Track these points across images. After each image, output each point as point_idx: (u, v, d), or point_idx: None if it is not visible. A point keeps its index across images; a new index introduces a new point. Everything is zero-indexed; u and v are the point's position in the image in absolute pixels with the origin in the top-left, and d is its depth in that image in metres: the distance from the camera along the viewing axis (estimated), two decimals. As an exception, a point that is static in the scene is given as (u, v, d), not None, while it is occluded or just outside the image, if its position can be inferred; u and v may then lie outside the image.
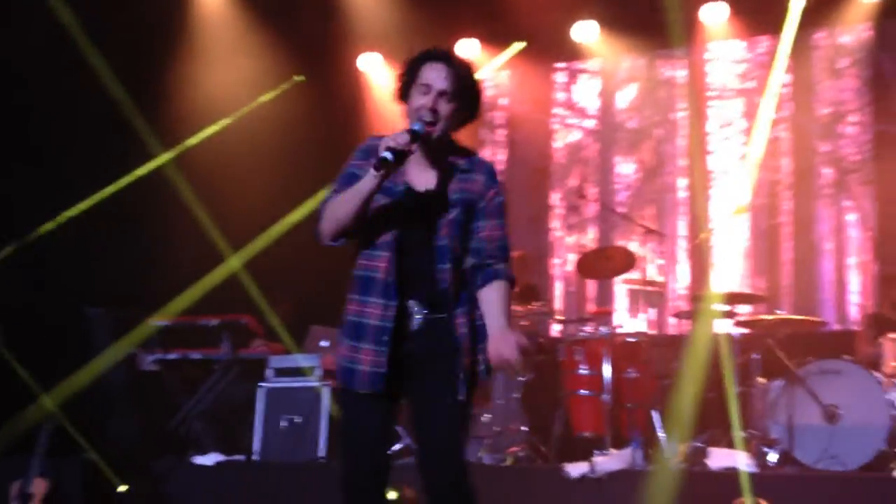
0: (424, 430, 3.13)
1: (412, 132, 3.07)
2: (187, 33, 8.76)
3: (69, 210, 7.58)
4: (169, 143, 8.20)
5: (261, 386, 6.80)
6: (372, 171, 3.02)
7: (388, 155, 3.00)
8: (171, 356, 7.02)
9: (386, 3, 8.91)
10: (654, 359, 6.79)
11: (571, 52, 9.37)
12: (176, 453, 6.65)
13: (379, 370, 3.07)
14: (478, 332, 3.18)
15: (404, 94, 3.23)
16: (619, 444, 6.31)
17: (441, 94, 3.14)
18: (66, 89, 7.60)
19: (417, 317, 3.12)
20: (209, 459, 6.37)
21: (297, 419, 6.67)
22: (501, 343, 3.06)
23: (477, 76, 3.26)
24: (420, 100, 3.14)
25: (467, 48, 9.18)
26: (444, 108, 3.14)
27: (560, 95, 9.61)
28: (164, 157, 8.08)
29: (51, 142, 7.67)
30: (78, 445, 6.21)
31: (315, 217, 3.19)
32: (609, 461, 5.79)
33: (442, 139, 3.20)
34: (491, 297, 3.16)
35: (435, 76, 3.15)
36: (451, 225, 3.15)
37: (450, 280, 3.14)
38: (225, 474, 6.32)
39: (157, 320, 6.99)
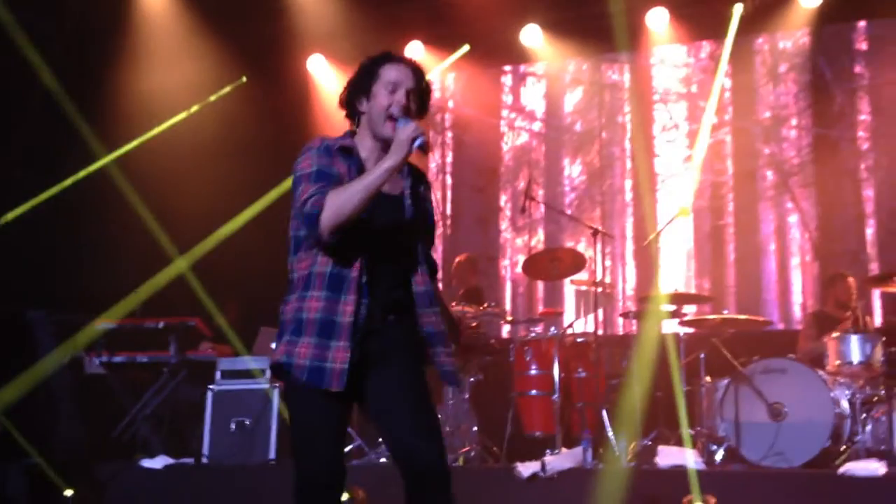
0: (398, 413, 3.11)
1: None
2: (131, 34, 8.64)
3: (10, 212, 7.42)
4: (112, 144, 8.08)
5: (210, 388, 6.73)
6: (385, 165, 3.01)
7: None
8: (118, 359, 6.92)
9: (331, 6, 8.88)
10: (603, 358, 6.86)
11: (518, 56, 9.44)
12: (123, 457, 6.54)
13: (345, 367, 3.06)
14: (439, 335, 3.25)
15: (354, 97, 3.26)
16: (570, 443, 6.37)
17: (409, 92, 3.19)
18: (5, 89, 7.45)
19: (389, 317, 3.15)
20: (157, 463, 6.28)
21: (247, 421, 6.61)
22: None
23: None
24: (387, 98, 3.18)
25: (412, 51, 9.18)
26: (412, 106, 3.20)
27: (507, 98, 9.68)
28: (107, 159, 7.95)
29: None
30: (22, 450, 6.08)
31: (307, 215, 3.07)
32: (559, 460, 5.82)
33: None
34: None
35: (402, 75, 3.20)
36: (429, 230, 3.34)
37: (421, 282, 3.22)
38: (173, 477, 6.23)
39: (103, 323, 6.87)
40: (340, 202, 3.04)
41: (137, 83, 8.62)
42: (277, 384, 6.65)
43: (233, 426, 6.62)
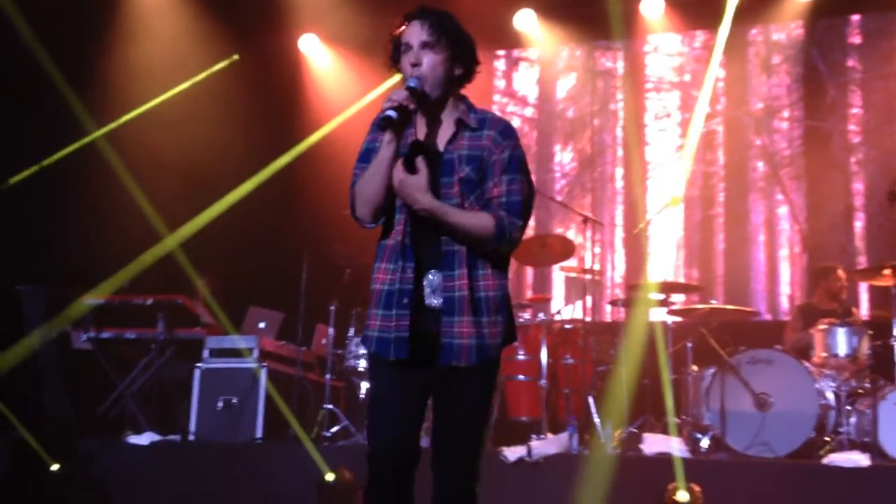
0: (435, 404, 3.09)
1: (408, 87, 3.03)
2: (123, 8, 8.58)
3: (-1, 186, 7.37)
4: (103, 119, 8.01)
5: (197, 366, 6.72)
6: (387, 136, 2.98)
7: (391, 113, 2.96)
8: (105, 335, 6.88)
9: (325, -16, 8.84)
10: (591, 345, 6.88)
11: (511, 40, 9.41)
12: (110, 433, 6.53)
13: (403, 335, 3.00)
14: (484, 302, 3.05)
15: (397, 70, 3.19)
16: (556, 428, 6.40)
17: (423, 46, 3.07)
18: (-3, 61, 7.39)
19: (437, 288, 3.03)
20: (144, 439, 6.27)
21: (234, 400, 6.62)
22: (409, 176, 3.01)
23: (460, 25, 3.14)
24: (405, 60, 3.10)
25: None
26: (429, 58, 3.05)
27: (500, 83, 9.66)
28: (97, 133, 7.89)
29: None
30: (8, 424, 6.06)
31: (349, 205, 3.11)
32: (545, 445, 5.84)
33: (445, 98, 3.12)
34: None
35: (412, 32, 3.09)
36: (460, 183, 3.05)
37: (452, 243, 3.05)
38: (160, 454, 6.23)
39: (91, 298, 6.83)
40: (362, 189, 3.06)
41: (129, 58, 8.55)
42: (265, 363, 6.65)
43: (220, 404, 6.62)
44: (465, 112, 3.15)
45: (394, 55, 3.16)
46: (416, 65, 3.05)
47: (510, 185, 3.09)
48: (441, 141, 3.12)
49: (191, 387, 6.68)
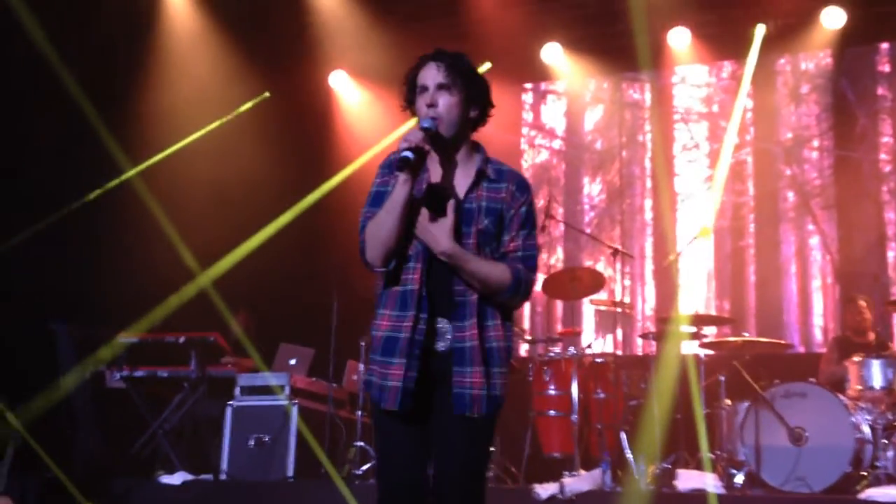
0: (437, 449, 3.05)
1: (423, 128, 3.03)
2: (157, 47, 8.71)
3: (36, 224, 7.47)
4: (137, 157, 8.13)
5: (229, 404, 6.75)
6: (402, 178, 2.98)
7: (408, 154, 2.97)
8: (138, 374, 6.94)
9: (354, 22, 8.94)
10: (622, 379, 6.84)
11: (539, 73, 9.46)
12: (142, 472, 6.57)
13: (399, 385, 2.99)
14: (494, 353, 3.06)
15: (411, 112, 3.20)
16: (588, 464, 6.36)
17: (438, 87, 3.08)
18: (34, 102, 7.52)
19: (445, 334, 3.04)
20: (176, 478, 6.30)
21: (266, 438, 6.63)
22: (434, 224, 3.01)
23: (474, 67, 3.16)
24: (420, 102, 3.11)
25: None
26: (445, 100, 3.07)
27: (528, 116, 9.70)
28: (131, 172, 8.00)
29: (18, 155, 7.57)
30: (42, 463, 6.11)
31: (359, 248, 3.11)
32: (578, 482, 5.82)
33: (459, 141, 3.13)
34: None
35: (428, 74, 3.10)
36: (478, 235, 3.06)
37: (470, 292, 3.04)
38: (192, 493, 6.25)
39: (124, 337, 6.90)
40: (374, 232, 3.04)
41: (163, 96, 8.68)
42: (297, 401, 6.66)
43: (251, 442, 6.64)
44: (482, 161, 3.16)
45: (408, 96, 3.18)
46: (431, 105, 3.06)
47: (526, 239, 3.14)
48: (460, 188, 3.12)
49: (222, 425, 6.71)
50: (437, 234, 3.01)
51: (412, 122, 3.20)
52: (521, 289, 3.10)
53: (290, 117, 9.25)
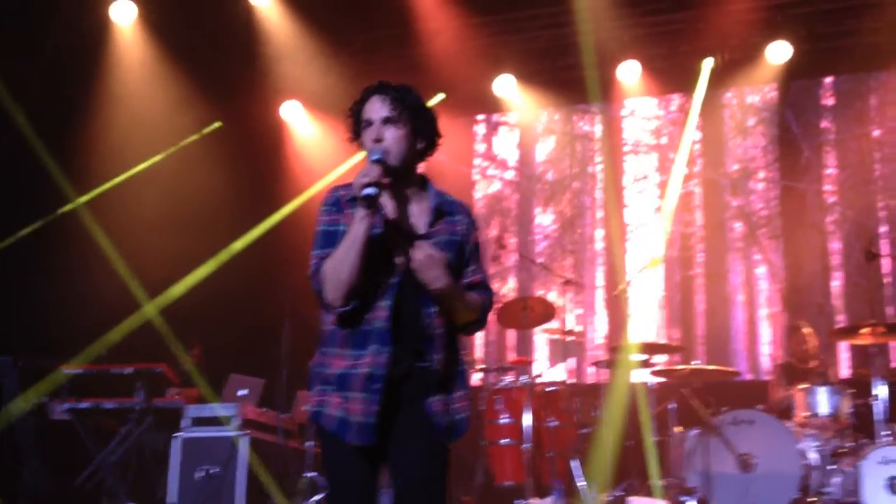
0: (399, 475, 3.00)
1: (377, 161, 2.97)
2: (106, 76, 8.62)
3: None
4: (84, 186, 8.03)
5: (176, 436, 6.64)
6: (360, 213, 2.90)
7: (371, 191, 2.89)
8: (84, 405, 6.79)
9: (307, 53, 8.95)
10: (574, 408, 6.85)
11: (491, 105, 9.54)
12: (88, 506, 6.43)
13: (364, 421, 2.94)
14: (456, 377, 3.09)
15: (358, 145, 3.16)
16: (541, 493, 6.34)
17: (384, 121, 3.04)
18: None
19: (404, 362, 2.98)
20: (122, 512, 6.17)
21: (214, 470, 6.52)
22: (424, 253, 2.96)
23: (421, 98, 3.13)
24: (366, 136, 3.07)
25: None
26: (391, 133, 3.03)
27: (480, 147, 9.76)
28: (78, 201, 7.89)
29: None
30: (-16, 498, 5.96)
31: (315, 291, 3.01)
32: (530, 511, 5.79)
33: (409, 173, 3.10)
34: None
35: (373, 108, 3.06)
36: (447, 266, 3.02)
37: (437, 325, 3.02)
38: (138, 527, 6.13)
39: (70, 368, 6.77)
40: (334, 272, 2.94)
41: (112, 125, 8.58)
42: (247, 432, 6.58)
43: (200, 474, 6.53)
44: (435, 195, 3.13)
45: (354, 129, 3.13)
46: (378, 140, 3.02)
47: (481, 267, 3.21)
48: (420, 223, 3.09)
49: (169, 457, 6.59)
50: (438, 271, 2.95)
51: (363, 154, 3.16)
52: (487, 313, 3.19)
53: (241, 147, 9.20)
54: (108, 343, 6.96)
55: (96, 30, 8.54)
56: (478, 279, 3.15)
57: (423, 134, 3.11)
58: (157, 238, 8.20)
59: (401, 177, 3.07)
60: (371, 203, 2.90)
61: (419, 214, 3.10)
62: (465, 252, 3.12)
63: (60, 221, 7.91)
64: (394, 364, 2.96)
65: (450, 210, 3.13)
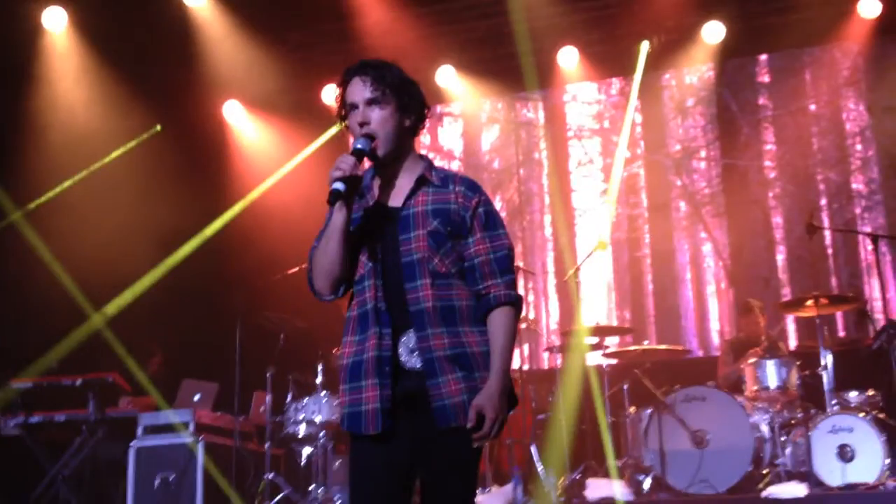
0: (424, 475, 2.89)
1: (356, 151, 2.92)
2: (39, 84, 8.49)
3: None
4: (23, 198, 7.91)
5: (131, 445, 6.58)
6: (337, 204, 2.87)
7: (338, 186, 2.85)
8: (34, 419, 6.70)
9: (246, 51, 8.86)
10: (530, 394, 6.91)
11: (435, 96, 9.52)
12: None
13: (377, 407, 2.84)
14: (468, 358, 2.90)
15: (344, 122, 3.07)
16: (500, 480, 6.39)
17: (368, 103, 2.95)
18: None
19: (413, 350, 2.88)
20: (79, 525, 6.10)
21: (171, 477, 6.47)
22: (485, 403, 2.82)
23: (403, 74, 3.02)
24: (352, 120, 2.98)
25: (327, 94, 9.16)
26: (377, 114, 2.95)
27: (425, 139, 9.75)
28: (17, 214, 7.77)
29: None
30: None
31: (308, 280, 2.98)
32: (491, 498, 5.84)
33: (401, 151, 3.01)
34: (491, 331, 2.92)
35: (355, 91, 2.97)
36: (429, 237, 2.92)
37: (425, 298, 2.89)
38: (96, 540, 6.07)
39: (18, 382, 6.67)
40: (318, 261, 2.94)
41: (48, 134, 8.45)
42: (202, 437, 6.53)
43: (157, 482, 6.47)
44: (427, 168, 3.03)
45: (340, 113, 3.05)
46: (364, 123, 2.95)
47: (493, 241, 2.99)
48: (399, 197, 3.00)
49: (125, 466, 6.52)
50: (493, 403, 2.81)
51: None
52: (519, 305, 2.99)
53: (184, 150, 9.08)
54: (57, 355, 6.88)
55: (28, 38, 8.40)
56: (480, 250, 2.96)
57: (410, 110, 3.01)
58: (102, 246, 8.08)
59: (391, 157, 2.99)
60: (337, 199, 2.86)
61: (403, 190, 3.00)
62: (464, 220, 2.97)
63: (1, 235, 7.79)
64: (396, 346, 2.88)
65: (441, 182, 3.01)
